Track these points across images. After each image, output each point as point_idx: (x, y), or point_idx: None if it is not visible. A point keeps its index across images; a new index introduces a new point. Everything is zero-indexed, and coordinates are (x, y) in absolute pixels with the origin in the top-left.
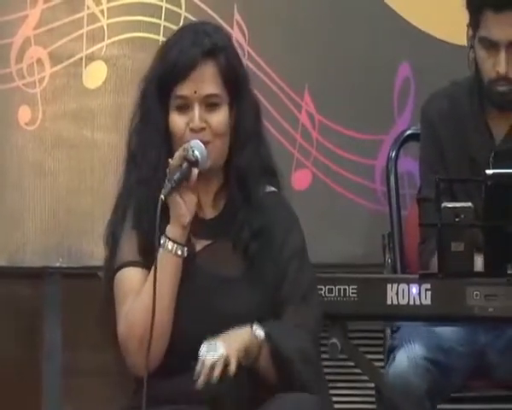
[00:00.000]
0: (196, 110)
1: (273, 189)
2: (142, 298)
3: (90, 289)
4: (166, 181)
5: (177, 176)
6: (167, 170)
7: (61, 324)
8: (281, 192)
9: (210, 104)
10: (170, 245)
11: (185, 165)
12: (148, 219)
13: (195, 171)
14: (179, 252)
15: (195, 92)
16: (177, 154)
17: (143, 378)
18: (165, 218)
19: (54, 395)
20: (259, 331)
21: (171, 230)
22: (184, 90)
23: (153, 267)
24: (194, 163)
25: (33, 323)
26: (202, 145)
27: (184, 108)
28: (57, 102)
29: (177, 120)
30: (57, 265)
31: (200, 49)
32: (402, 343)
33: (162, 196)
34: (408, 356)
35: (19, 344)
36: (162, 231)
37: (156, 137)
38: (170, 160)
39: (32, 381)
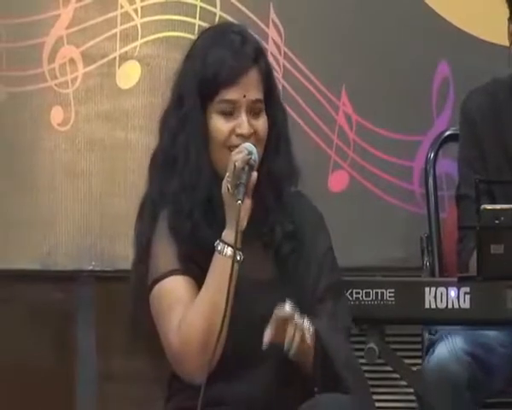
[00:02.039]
0: (244, 116)
1: (296, 189)
2: (200, 306)
3: (124, 292)
4: (229, 185)
5: (244, 179)
6: (231, 172)
7: (95, 328)
8: (302, 191)
9: (254, 110)
10: (229, 251)
11: (247, 168)
12: (191, 225)
13: (255, 174)
14: (238, 257)
15: (245, 96)
16: (240, 156)
17: (183, 383)
18: (205, 223)
19: (88, 399)
20: (310, 326)
21: (228, 234)
22: (233, 94)
23: (209, 276)
24: (253, 167)
25: (66, 327)
26: (255, 149)
27: (230, 113)
28: (90, 103)
29: (222, 126)
30: (90, 268)
31: (248, 56)
32: (442, 337)
33: (240, 202)
34: (448, 348)
35: (52, 349)
36: (206, 237)
37: (197, 140)
38: (236, 162)
39: (66, 385)
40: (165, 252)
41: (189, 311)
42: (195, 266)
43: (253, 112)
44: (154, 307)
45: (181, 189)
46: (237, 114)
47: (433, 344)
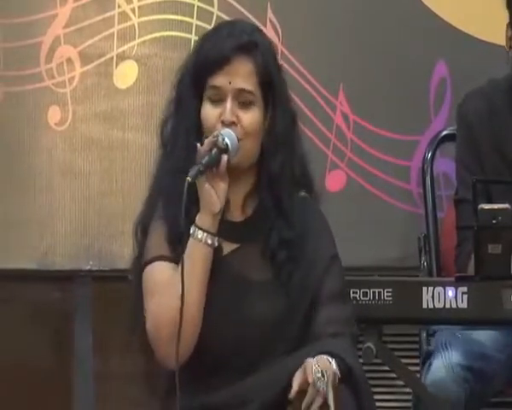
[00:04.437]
0: (229, 103)
1: (305, 194)
2: (171, 291)
3: (121, 291)
4: (194, 165)
5: (205, 160)
6: (196, 155)
7: (92, 327)
8: (311, 198)
9: (243, 101)
10: (200, 234)
11: (215, 151)
12: (176, 209)
13: (225, 157)
14: (209, 241)
15: (230, 83)
16: (208, 140)
17: (174, 376)
18: (195, 207)
19: (85, 399)
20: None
21: (200, 218)
22: (219, 80)
23: (182, 257)
24: (223, 150)
25: (64, 327)
26: (234, 135)
27: (217, 99)
28: (87, 103)
29: (210, 112)
30: (87, 268)
31: (235, 42)
32: (438, 349)
33: (189, 178)
34: (445, 364)
35: (49, 348)
36: (191, 221)
37: (188, 126)
38: (199, 145)
39: (63, 385)
40: (156, 235)
41: (161, 297)
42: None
43: (241, 102)
44: (143, 289)
45: (170, 173)
46: (224, 101)
47: (429, 356)
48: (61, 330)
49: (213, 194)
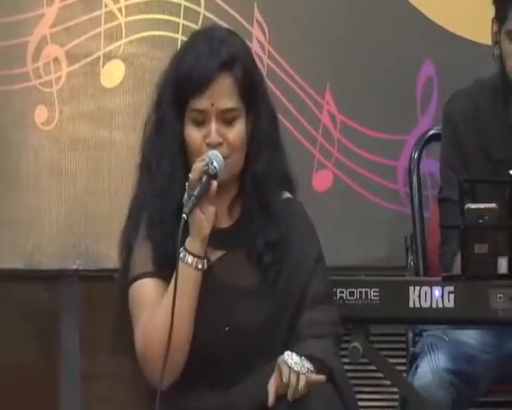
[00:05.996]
0: (213, 125)
1: (289, 195)
2: (161, 313)
3: (108, 291)
4: (186, 197)
5: (197, 192)
6: (187, 184)
7: (79, 327)
8: (296, 198)
9: (227, 118)
10: (190, 259)
11: (205, 178)
12: (162, 232)
13: (215, 183)
14: (199, 266)
15: (213, 105)
16: (197, 167)
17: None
18: (177, 232)
19: (72, 398)
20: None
21: (190, 243)
22: (201, 103)
23: (172, 282)
24: (213, 176)
25: (50, 326)
26: (220, 156)
27: (201, 121)
28: (74, 102)
29: (194, 134)
30: (74, 267)
31: (216, 62)
32: (425, 352)
33: (184, 215)
34: (431, 369)
35: (36, 348)
36: (177, 246)
37: (171, 147)
38: (190, 175)
39: (50, 385)
40: (141, 254)
41: (153, 315)
42: (169, 270)
43: (225, 120)
44: (130, 306)
45: (153, 196)
46: (207, 123)
47: (415, 358)
48: (47, 330)
49: (203, 219)
